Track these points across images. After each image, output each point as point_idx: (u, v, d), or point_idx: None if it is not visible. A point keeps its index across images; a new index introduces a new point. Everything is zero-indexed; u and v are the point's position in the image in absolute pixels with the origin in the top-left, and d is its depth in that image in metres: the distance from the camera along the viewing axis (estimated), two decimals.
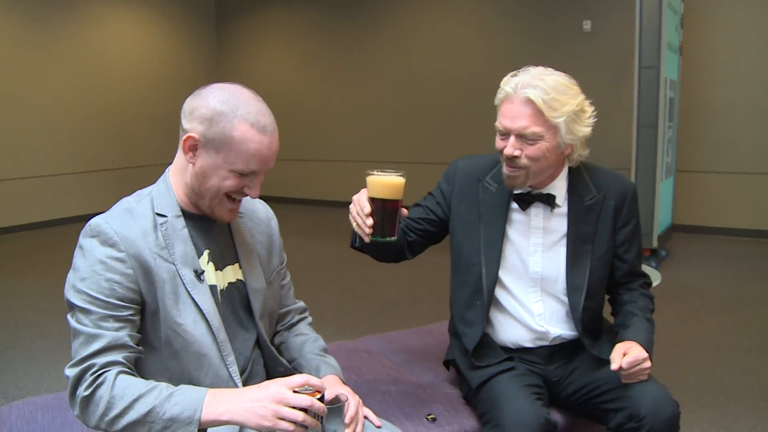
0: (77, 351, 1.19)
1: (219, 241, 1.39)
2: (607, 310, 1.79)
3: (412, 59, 7.80)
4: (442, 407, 1.72)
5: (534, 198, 1.68)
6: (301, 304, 1.63)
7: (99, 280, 1.20)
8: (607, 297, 1.79)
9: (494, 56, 7.08)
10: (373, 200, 1.42)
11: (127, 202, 1.33)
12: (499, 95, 1.61)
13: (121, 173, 7.99)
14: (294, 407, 1.12)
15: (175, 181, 1.35)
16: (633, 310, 1.69)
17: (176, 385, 1.19)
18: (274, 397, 1.13)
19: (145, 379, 1.21)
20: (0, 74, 6.67)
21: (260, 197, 1.42)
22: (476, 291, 1.71)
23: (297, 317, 1.59)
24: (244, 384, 1.34)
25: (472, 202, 1.74)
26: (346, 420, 1.27)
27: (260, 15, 8.98)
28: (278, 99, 7.14)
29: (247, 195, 1.31)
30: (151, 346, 1.28)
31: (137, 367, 1.25)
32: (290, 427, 1.11)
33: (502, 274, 1.70)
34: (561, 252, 1.68)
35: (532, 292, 1.70)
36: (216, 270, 1.36)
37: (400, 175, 1.43)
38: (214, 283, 1.34)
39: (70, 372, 1.18)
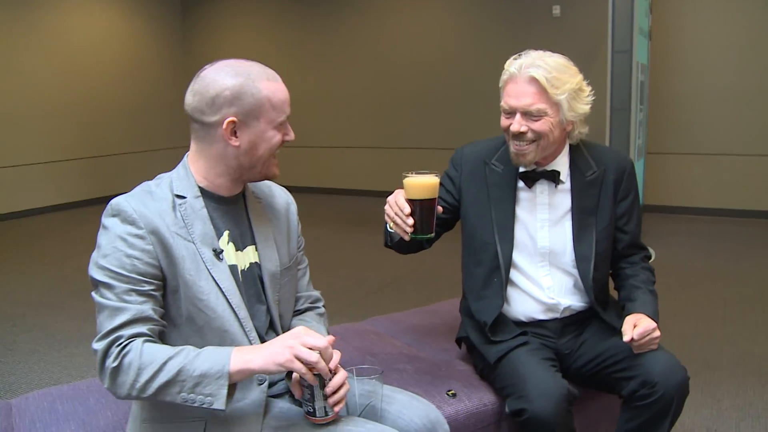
0: (102, 324, 1.21)
1: (238, 222, 1.41)
2: (610, 286, 1.86)
3: (382, 45, 7.80)
4: (460, 383, 1.77)
5: (539, 175, 1.75)
6: (316, 293, 1.62)
7: (120, 255, 1.23)
8: (610, 272, 1.87)
9: (465, 40, 7.14)
10: (411, 201, 1.48)
11: (147, 185, 1.36)
12: (503, 76, 1.68)
13: (90, 162, 7.81)
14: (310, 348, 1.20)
15: (194, 166, 1.37)
16: (636, 284, 1.77)
17: None
18: (291, 341, 1.21)
19: None
20: None
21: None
22: (493, 269, 1.77)
23: (307, 305, 1.59)
24: None
25: (481, 185, 1.80)
26: (328, 390, 1.25)
27: (227, 1, 8.83)
28: None
29: (289, 140, 1.37)
30: (174, 324, 1.30)
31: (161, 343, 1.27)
32: (303, 369, 1.19)
33: (513, 251, 1.76)
34: (567, 226, 1.76)
35: (541, 267, 1.77)
36: (237, 250, 1.38)
37: (435, 175, 1.50)
38: (234, 262, 1.37)
39: (98, 345, 1.19)
